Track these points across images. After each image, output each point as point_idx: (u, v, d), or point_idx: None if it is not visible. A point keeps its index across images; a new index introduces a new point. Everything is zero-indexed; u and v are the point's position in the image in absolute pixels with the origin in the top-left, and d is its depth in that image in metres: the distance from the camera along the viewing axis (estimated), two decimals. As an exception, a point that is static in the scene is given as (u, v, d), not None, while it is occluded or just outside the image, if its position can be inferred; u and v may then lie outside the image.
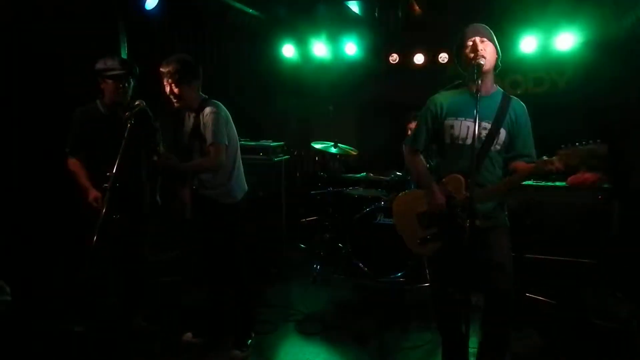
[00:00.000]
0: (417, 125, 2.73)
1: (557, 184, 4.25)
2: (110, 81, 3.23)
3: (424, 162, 2.77)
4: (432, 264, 2.80)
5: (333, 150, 4.87)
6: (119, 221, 3.16)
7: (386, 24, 5.82)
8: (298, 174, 5.94)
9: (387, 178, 4.86)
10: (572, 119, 5.19)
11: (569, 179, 4.39)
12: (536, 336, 3.48)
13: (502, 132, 2.54)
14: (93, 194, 3.18)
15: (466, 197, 2.44)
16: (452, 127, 2.57)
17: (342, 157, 5.16)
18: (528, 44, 5.48)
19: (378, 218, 4.60)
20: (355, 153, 5.04)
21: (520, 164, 2.53)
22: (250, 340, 3.36)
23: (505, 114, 2.54)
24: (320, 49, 6.22)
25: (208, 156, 3.09)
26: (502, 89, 2.67)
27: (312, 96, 6.16)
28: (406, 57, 5.85)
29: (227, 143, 3.13)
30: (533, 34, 5.45)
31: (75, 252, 3.15)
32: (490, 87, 2.60)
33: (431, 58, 5.78)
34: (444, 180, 2.60)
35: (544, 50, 5.53)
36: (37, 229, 3.65)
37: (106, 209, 2.77)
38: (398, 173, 4.68)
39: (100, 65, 3.24)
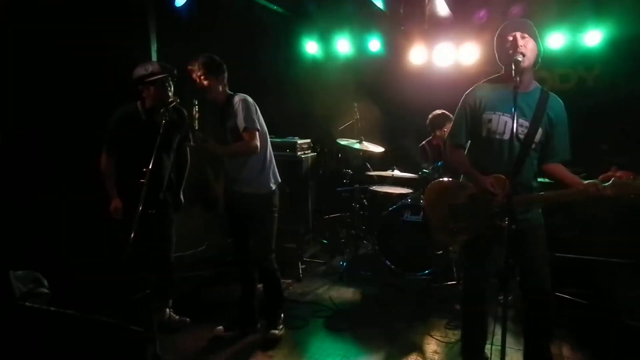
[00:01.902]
0: (455, 121, 2.70)
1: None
2: (152, 87, 3.24)
3: (466, 156, 2.72)
4: (467, 260, 2.78)
5: (358, 147, 4.87)
6: (153, 216, 3.20)
7: (411, 20, 5.77)
8: (321, 171, 5.94)
9: (415, 175, 4.84)
10: (601, 116, 5.12)
11: (601, 176, 4.36)
12: (567, 336, 3.45)
13: (539, 131, 2.51)
14: (114, 203, 3.28)
15: (506, 198, 2.41)
16: (489, 120, 2.54)
17: (366, 154, 5.16)
18: (555, 40, 5.41)
19: (405, 215, 4.59)
20: (380, 150, 5.03)
21: (566, 175, 2.53)
22: (282, 318, 3.49)
23: (544, 112, 2.51)
24: (343, 45, 6.21)
25: (243, 141, 3.14)
26: None
27: (336, 93, 6.14)
28: (431, 54, 5.81)
29: (259, 128, 3.19)
30: (560, 30, 5.38)
31: (111, 245, 3.20)
32: (529, 84, 2.57)
33: (456, 55, 5.73)
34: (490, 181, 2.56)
35: (572, 46, 5.45)
36: (74, 223, 3.71)
37: (143, 204, 2.81)
38: (425, 170, 4.66)
39: (141, 71, 3.25)
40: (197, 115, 3.22)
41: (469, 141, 2.72)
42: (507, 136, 2.49)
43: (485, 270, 2.69)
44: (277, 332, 3.40)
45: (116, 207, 3.28)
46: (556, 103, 2.56)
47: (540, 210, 2.64)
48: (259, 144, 3.17)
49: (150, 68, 3.27)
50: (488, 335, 2.86)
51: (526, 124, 2.50)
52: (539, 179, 2.68)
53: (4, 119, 3.43)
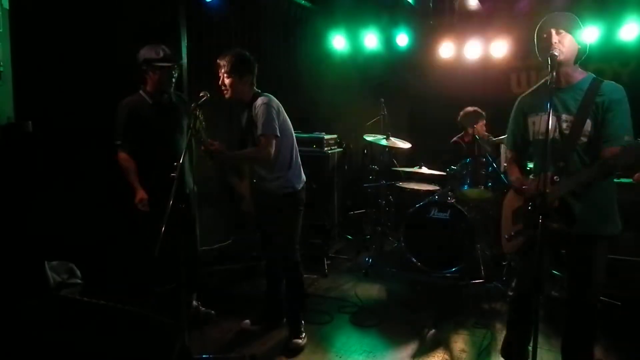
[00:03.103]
0: (508, 126, 2.76)
1: (622, 180, 4.06)
2: (158, 72, 3.27)
3: (517, 161, 2.74)
4: (519, 261, 2.74)
5: (384, 143, 4.84)
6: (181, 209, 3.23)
7: (441, 14, 5.70)
8: (346, 167, 5.94)
9: (443, 172, 4.79)
10: (637, 113, 4.96)
11: (636, 175, 4.23)
12: (601, 338, 3.36)
13: (588, 123, 2.39)
14: (140, 195, 3.28)
15: (540, 196, 2.35)
16: (533, 123, 2.55)
17: (393, 150, 5.13)
18: (589, 34, 5.25)
19: (432, 212, 4.55)
20: (407, 146, 4.98)
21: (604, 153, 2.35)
22: (302, 326, 3.41)
23: (591, 101, 2.39)
24: (371, 40, 6.17)
25: (258, 146, 3.14)
26: None
27: (363, 88, 6.12)
28: (460, 49, 5.73)
29: (277, 134, 3.15)
30: (595, 24, 5.23)
31: (142, 237, 3.27)
32: (573, 77, 2.47)
33: (486, 50, 5.64)
34: (528, 181, 2.54)
35: (606, 40, 5.31)
36: (107, 213, 3.78)
37: (174, 198, 2.84)
38: (454, 167, 4.60)
39: (151, 54, 3.26)
40: (202, 125, 3.15)
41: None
42: (550, 135, 2.39)
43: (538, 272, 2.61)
44: (300, 341, 3.32)
45: (142, 198, 3.28)
46: (609, 87, 2.39)
47: (607, 222, 2.48)
48: (272, 150, 3.11)
49: (161, 53, 3.28)
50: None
51: (570, 118, 2.42)
52: (622, 180, 2.55)
53: (34, 110, 3.51)
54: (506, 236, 2.67)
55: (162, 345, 3.03)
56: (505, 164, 2.87)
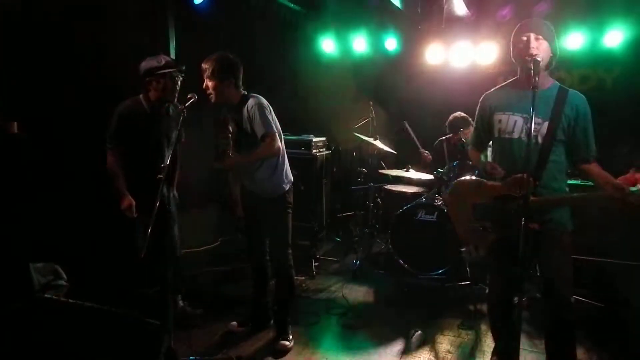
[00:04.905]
0: (474, 124, 2.82)
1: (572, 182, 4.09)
2: (162, 80, 3.25)
3: (481, 157, 2.82)
4: (491, 265, 2.77)
5: (374, 143, 4.86)
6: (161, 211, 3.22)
7: (429, 19, 5.75)
8: (335, 169, 5.96)
9: (430, 175, 4.83)
10: (619, 118, 5.05)
11: (619, 178, 4.30)
12: (583, 338, 3.42)
13: (558, 129, 2.47)
14: (126, 201, 3.25)
15: (522, 198, 2.39)
16: (499, 121, 2.59)
17: (381, 152, 5.16)
18: (574, 40, 5.34)
19: (419, 214, 4.58)
20: (394, 152, 5.02)
21: (597, 175, 2.46)
22: (290, 328, 3.43)
23: (562, 109, 2.48)
24: (360, 43, 6.21)
25: (264, 146, 3.14)
26: None
27: (352, 92, 6.15)
28: (448, 53, 5.78)
29: (276, 131, 3.19)
30: (580, 30, 5.31)
31: (128, 239, 3.26)
32: (544, 83, 2.54)
33: (474, 54, 5.70)
34: (505, 181, 2.57)
35: (591, 46, 5.38)
36: (92, 215, 3.77)
37: (160, 200, 2.84)
38: (440, 170, 4.64)
39: (153, 63, 3.25)
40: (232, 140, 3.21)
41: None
42: (516, 135, 2.52)
43: (514, 275, 2.64)
44: (287, 343, 3.32)
45: (130, 204, 3.25)
46: (575, 98, 2.50)
47: (568, 214, 2.57)
48: (280, 144, 3.19)
49: (162, 61, 3.27)
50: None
51: (539, 121, 2.48)
52: (571, 181, 2.63)
53: (23, 115, 3.49)
54: (469, 229, 2.71)
55: (148, 346, 3.02)
56: (473, 160, 2.93)
